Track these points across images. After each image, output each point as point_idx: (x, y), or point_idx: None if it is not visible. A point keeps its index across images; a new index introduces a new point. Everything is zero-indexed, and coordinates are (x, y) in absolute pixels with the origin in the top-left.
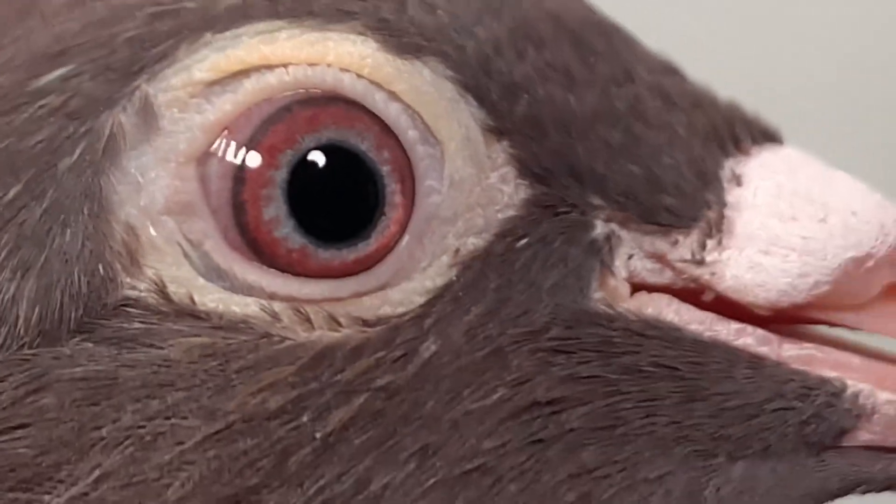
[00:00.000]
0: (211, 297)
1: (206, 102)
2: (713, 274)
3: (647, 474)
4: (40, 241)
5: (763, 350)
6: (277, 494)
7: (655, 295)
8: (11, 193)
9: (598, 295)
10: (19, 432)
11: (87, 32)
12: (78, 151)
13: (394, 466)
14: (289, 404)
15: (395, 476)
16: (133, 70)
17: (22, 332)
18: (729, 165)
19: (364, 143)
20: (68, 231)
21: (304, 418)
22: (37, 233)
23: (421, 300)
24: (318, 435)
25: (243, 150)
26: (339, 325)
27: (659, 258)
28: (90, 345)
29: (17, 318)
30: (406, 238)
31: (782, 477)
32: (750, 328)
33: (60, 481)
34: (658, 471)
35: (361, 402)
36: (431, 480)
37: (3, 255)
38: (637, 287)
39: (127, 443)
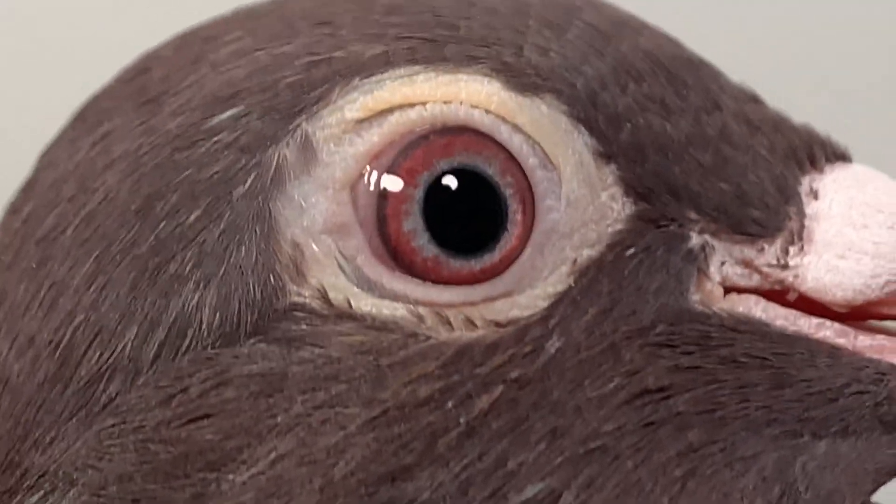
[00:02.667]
0: (365, 303)
1: (357, 136)
2: (796, 276)
3: (743, 453)
4: (219, 257)
5: (841, 341)
6: (428, 472)
7: (745, 296)
8: (192, 217)
9: (695, 297)
10: (206, 421)
11: (253, 78)
12: (249, 181)
13: (527, 447)
14: (436, 393)
15: (528, 455)
16: (294, 111)
17: (206, 334)
18: (806, 181)
19: (491, 168)
20: (243, 248)
21: (450, 405)
22: (216, 250)
23: (545, 304)
24: (462, 420)
25: (386, 172)
26: (475, 325)
27: (748, 264)
28: (264, 345)
29: (202, 322)
30: (528, 250)
31: (860, 453)
32: (829, 322)
33: (242, 462)
34: (752, 450)
35: (498, 392)
36: (559, 459)
37: (187, 269)
38: (729, 289)
39: (298, 428)
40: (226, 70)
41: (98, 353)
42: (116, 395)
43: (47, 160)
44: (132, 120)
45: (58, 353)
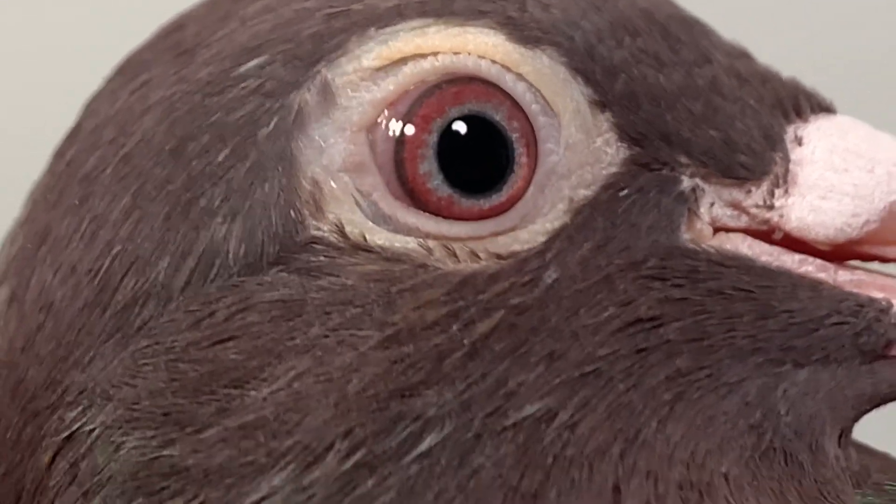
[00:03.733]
0: (379, 236)
1: (373, 84)
2: (781, 216)
3: (728, 379)
4: (245, 192)
5: (822, 276)
6: (434, 390)
7: (733, 234)
8: (221, 156)
9: (686, 235)
10: (230, 343)
11: (277, 30)
12: (273, 122)
13: (526, 368)
14: (441, 318)
15: (526, 376)
16: (315, 59)
17: (232, 263)
18: (792, 130)
19: (498, 114)
20: (266, 185)
21: (454, 328)
22: (242, 186)
23: (543, 238)
24: (465, 342)
25: (403, 120)
26: (479, 258)
27: (736, 205)
28: (285, 274)
29: (228, 252)
30: (531, 190)
31: (839, 381)
32: (810, 259)
33: (263, 380)
34: (737, 376)
35: (499, 317)
36: (556, 380)
37: (216, 204)
38: (718, 229)
39: (315, 349)
40: (253, 24)
41: (133, 280)
42: (150, 318)
43: (90, 109)
44: (168, 70)
45: (97, 280)
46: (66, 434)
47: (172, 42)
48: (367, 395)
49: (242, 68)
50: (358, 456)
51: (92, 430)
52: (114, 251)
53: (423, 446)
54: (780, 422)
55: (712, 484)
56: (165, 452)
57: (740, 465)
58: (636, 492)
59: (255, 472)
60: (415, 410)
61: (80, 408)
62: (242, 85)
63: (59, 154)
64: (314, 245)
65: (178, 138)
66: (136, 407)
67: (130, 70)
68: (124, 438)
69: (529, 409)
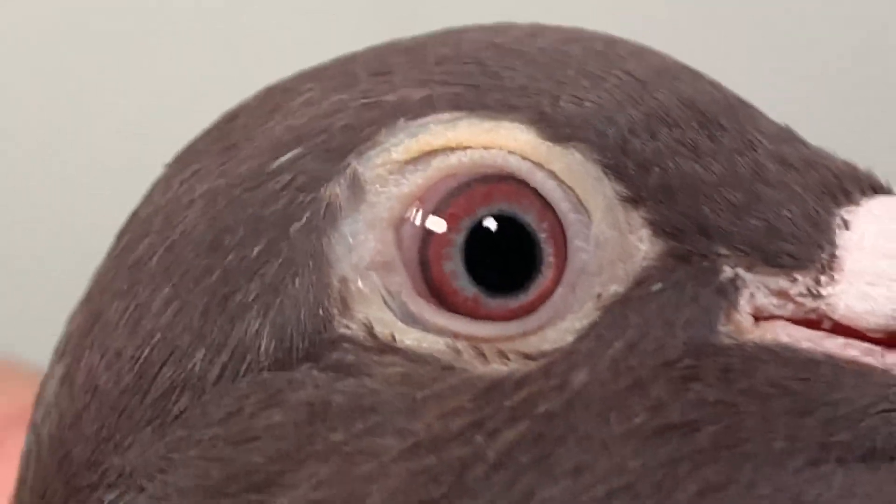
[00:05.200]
0: (409, 336)
1: (402, 177)
2: (828, 305)
3: (762, 490)
4: (276, 288)
5: (868, 360)
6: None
7: (776, 322)
8: (255, 251)
9: (725, 328)
10: (255, 443)
11: (312, 123)
12: (305, 217)
13: (553, 481)
14: (466, 426)
15: (553, 489)
16: (345, 151)
17: (262, 358)
18: (839, 214)
19: (528, 216)
20: (297, 280)
21: (479, 439)
22: (274, 282)
23: (572, 338)
24: (489, 454)
25: (430, 216)
26: (508, 359)
27: (781, 294)
28: (315, 371)
29: (259, 347)
30: (560, 289)
31: (882, 482)
32: (856, 342)
33: (284, 486)
34: (772, 486)
35: (526, 426)
36: (584, 496)
37: (250, 298)
38: (760, 319)
39: (336, 456)
40: (293, 117)
41: (172, 370)
42: (185, 409)
43: (148, 195)
44: (214, 161)
45: (137, 367)
46: None
47: (223, 133)
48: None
49: (277, 162)
50: None
51: None
52: (154, 339)
53: None
54: None
55: None
56: None
57: None
58: None
59: None
60: None
61: (117, 492)
62: (277, 179)
63: (119, 236)
64: (343, 344)
65: (217, 232)
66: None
67: (185, 159)
68: None
69: None
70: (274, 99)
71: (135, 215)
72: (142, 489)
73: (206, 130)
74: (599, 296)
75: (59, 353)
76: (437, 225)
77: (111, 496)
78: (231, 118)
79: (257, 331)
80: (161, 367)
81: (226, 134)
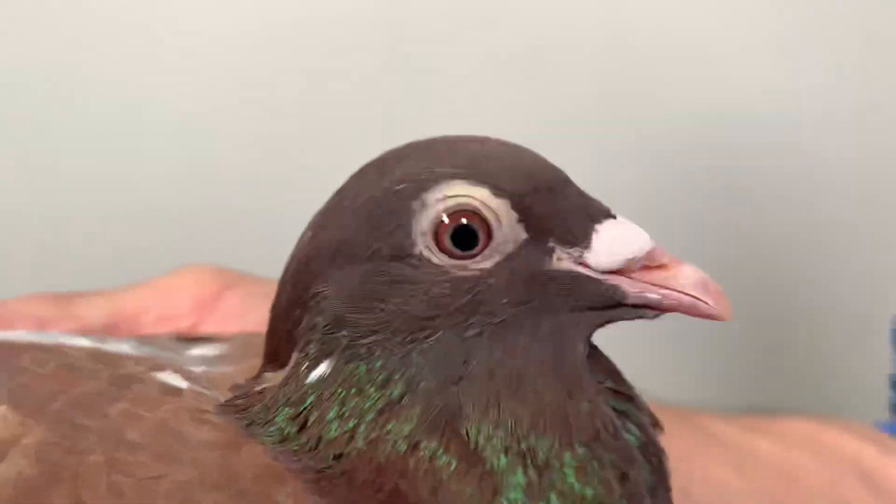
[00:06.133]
0: (433, 259)
1: (439, 204)
2: (587, 258)
3: (545, 327)
4: (397, 226)
5: (597, 276)
6: (444, 318)
7: (568, 262)
8: (392, 213)
9: (548, 265)
10: (379, 282)
11: (413, 169)
12: (410, 208)
13: (482, 311)
14: (446, 295)
15: (478, 328)
16: (422, 189)
17: (386, 254)
18: (595, 225)
19: (476, 225)
20: (404, 228)
21: (449, 301)
22: (399, 223)
23: (492, 264)
24: (459, 302)
25: (442, 220)
26: (468, 270)
27: (570, 255)
28: (401, 265)
29: (385, 250)
30: (486, 250)
31: (585, 317)
32: (593, 272)
33: (387, 303)
34: (552, 323)
35: (469, 297)
36: (490, 328)
37: (390, 228)
38: (562, 261)
39: (401, 291)
40: (408, 163)
41: (347, 247)
42: (351, 265)
43: (351, 178)
44: (374, 179)
45: (328, 244)
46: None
47: (383, 163)
48: (420, 314)
49: (400, 185)
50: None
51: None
52: (350, 229)
53: (433, 339)
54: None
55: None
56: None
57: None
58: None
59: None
60: (434, 324)
61: (315, 306)
62: (399, 192)
63: (337, 192)
64: (412, 259)
65: (377, 202)
66: (333, 319)
67: (367, 170)
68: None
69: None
70: (400, 154)
71: (346, 185)
72: (321, 310)
73: (380, 158)
74: (504, 252)
75: (309, 226)
76: (444, 224)
77: (310, 314)
78: (387, 158)
79: (390, 241)
80: (339, 247)
81: (385, 162)
